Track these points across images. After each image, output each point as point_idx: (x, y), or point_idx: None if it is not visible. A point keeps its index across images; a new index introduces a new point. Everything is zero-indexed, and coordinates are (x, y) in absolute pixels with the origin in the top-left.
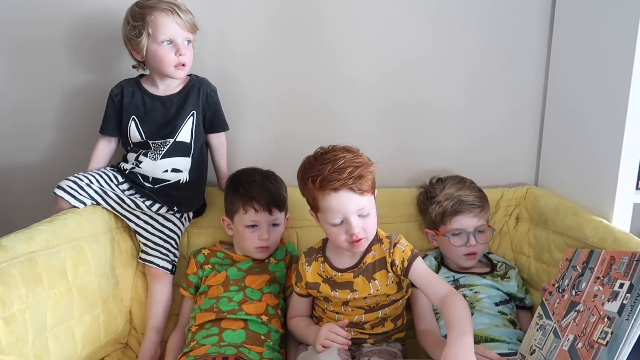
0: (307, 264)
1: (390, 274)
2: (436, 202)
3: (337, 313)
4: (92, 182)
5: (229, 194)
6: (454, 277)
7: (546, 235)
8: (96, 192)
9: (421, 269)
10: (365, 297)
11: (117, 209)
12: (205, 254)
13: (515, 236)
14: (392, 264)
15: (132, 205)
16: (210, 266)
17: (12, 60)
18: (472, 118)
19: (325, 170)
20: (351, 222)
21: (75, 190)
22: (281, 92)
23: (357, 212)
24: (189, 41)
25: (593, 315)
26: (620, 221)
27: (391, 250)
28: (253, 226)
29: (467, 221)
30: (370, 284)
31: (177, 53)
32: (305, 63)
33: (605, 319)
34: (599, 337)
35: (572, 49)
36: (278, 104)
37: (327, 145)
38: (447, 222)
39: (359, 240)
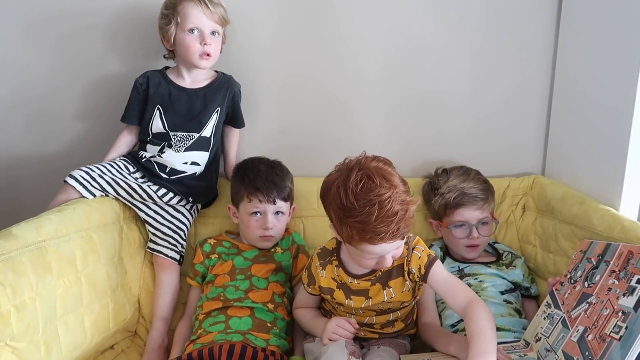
0: (321, 267)
1: (407, 282)
2: (439, 194)
3: (348, 314)
4: (104, 173)
5: (235, 183)
6: (458, 267)
7: (553, 224)
8: (108, 182)
9: (440, 275)
10: (377, 304)
11: (128, 199)
12: (212, 243)
13: (521, 226)
14: (409, 272)
15: (144, 195)
16: (216, 255)
17: (52, 51)
18: (477, 106)
19: (371, 217)
20: (386, 259)
21: (88, 182)
22: (287, 82)
23: (394, 250)
24: (217, 33)
25: (606, 308)
26: (628, 209)
27: (409, 258)
28: (256, 213)
29: (469, 213)
30: (385, 291)
31: (202, 42)
32: (311, 52)
33: (620, 314)
34: (611, 331)
35: (581, 31)
36: (284, 94)
37: (359, 159)
38: (449, 214)
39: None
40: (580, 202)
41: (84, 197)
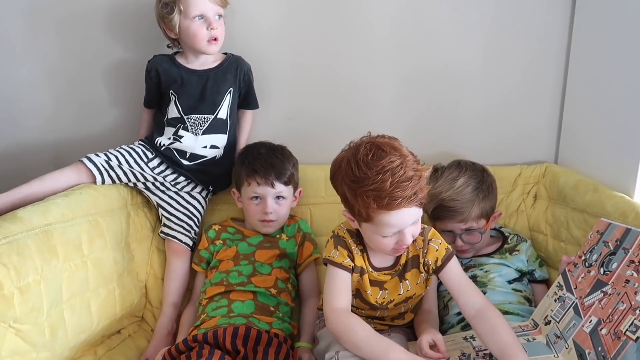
0: (354, 244)
1: (422, 274)
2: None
3: (357, 308)
4: (121, 164)
5: (237, 167)
6: (462, 261)
7: (565, 212)
8: (125, 173)
9: (455, 272)
10: (392, 300)
11: (140, 186)
12: (216, 229)
13: (532, 214)
14: (425, 264)
15: (159, 184)
16: (221, 241)
17: (59, 36)
18: (488, 91)
19: (386, 184)
20: (405, 234)
21: (106, 170)
22: (294, 68)
23: (412, 223)
24: (220, 15)
25: (623, 302)
26: None
27: (425, 250)
28: (256, 198)
29: (450, 225)
30: (401, 284)
31: (209, 27)
32: (319, 37)
33: (637, 311)
34: (627, 330)
35: (598, 12)
36: (291, 80)
37: (363, 139)
38: (433, 222)
39: (405, 247)
40: (594, 189)
41: (94, 181)
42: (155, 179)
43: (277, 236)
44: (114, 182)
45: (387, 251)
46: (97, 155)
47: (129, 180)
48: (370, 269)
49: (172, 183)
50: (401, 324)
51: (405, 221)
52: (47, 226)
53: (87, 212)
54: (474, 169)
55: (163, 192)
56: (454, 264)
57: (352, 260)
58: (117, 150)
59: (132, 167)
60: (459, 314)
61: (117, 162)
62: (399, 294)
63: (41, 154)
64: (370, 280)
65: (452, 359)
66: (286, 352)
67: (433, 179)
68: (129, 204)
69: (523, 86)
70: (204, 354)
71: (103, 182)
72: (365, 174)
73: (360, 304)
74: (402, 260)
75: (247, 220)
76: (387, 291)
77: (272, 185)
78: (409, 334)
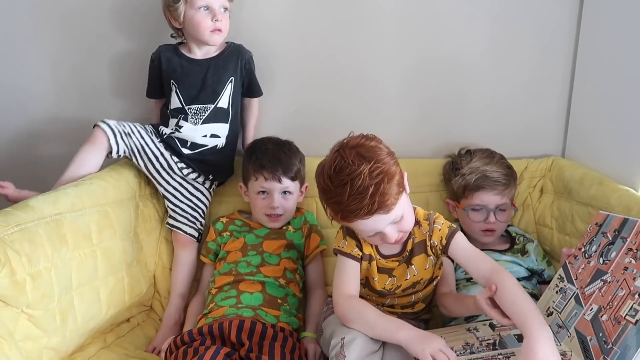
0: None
1: (431, 257)
2: (460, 175)
3: (367, 296)
4: (133, 132)
5: (244, 161)
6: None
7: (570, 206)
8: (134, 144)
9: (461, 245)
10: (399, 285)
11: (149, 167)
12: (224, 222)
13: (538, 208)
14: (432, 247)
15: (165, 165)
16: (228, 233)
17: (64, 28)
18: (496, 85)
19: (344, 196)
20: (386, 234)
21: (120, 133)
22: (301, 61)
23: (390, 223)
24: (226, 9)
25: (622, 289)
26: None
27: (430, 233)
28: (263, 192)
29: (488, 198)
30: (408, 269)
31: (213, 19)
32: (325, 30)
33: (636, 296)
34: (627, 314)
35: (606, 4)
36: (298, 73)
37: (338, 143)
38: (468, 196)
39: (399, 240)
40: (599, 182)
41: (109, 146)
42: (164, 157)
43: (284, 228)
44: (124, 151)
45: (379, 244)
46: (111, 121)
47: (139, 155)
48: (378, 257)
49: (178, 167)
50: (410, 312)
51: (377, 225)
52: (57, 215)
53: (96, 202)
54: (502, 156)
55: (167, 182)
56: (460, 238)
57: (361, 249)
58: (130, 123)
59: (142, 139)
60: None
61: (129, 130)
62: (406, 279)
63: (47, 145)
64: (378, 267)
65: (455, 349)
66: (292, 345)
67: (466, 159)
68: (138, 195)
69: (530, 78)
70: (201, 349)
71: (117, 152)
72: (328, 187)
73: (369, 292)
74: (409, 247)
75: (253, 214)
76: (395, 278)
77: (279, 181)
78: (416, 326)
